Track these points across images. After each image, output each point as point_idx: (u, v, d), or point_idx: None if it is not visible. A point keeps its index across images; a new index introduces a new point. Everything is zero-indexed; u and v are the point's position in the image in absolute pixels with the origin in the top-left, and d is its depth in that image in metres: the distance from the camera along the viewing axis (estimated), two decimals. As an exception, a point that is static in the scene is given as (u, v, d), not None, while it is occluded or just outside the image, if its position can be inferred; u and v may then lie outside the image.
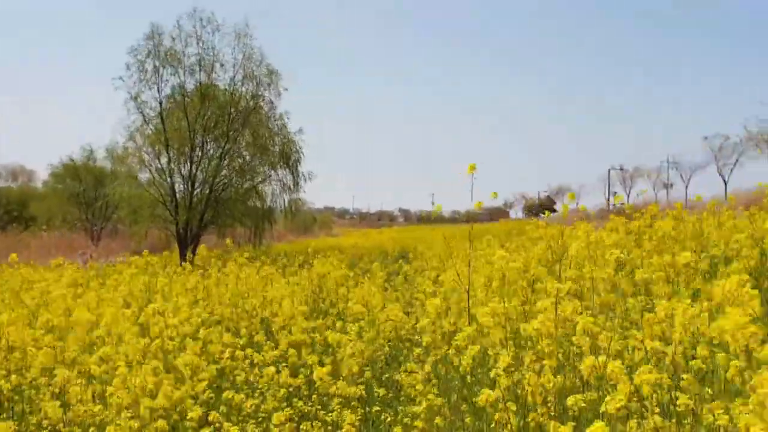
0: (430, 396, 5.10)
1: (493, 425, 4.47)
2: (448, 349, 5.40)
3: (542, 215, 7.67)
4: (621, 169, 78.40)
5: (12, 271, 10.17)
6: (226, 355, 6.47)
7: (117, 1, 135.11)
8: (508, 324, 4.19)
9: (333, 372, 6.24)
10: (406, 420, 5.68)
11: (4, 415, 5.50)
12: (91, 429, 4.90)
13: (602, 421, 2.89)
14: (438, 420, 4.89)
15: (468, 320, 5.20)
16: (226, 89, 30.35)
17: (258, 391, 6.08)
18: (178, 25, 29.42)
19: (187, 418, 5.03)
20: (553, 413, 3.87)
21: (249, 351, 6.70)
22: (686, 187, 67.72)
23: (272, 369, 5.83)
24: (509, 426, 4.14)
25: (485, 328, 4.36)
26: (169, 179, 29.56)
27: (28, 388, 5.54)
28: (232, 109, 30.02)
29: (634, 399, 3.21)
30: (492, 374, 3.99)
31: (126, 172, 30.42)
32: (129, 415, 4.52)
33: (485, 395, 3.83)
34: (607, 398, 3.11)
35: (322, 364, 6.14)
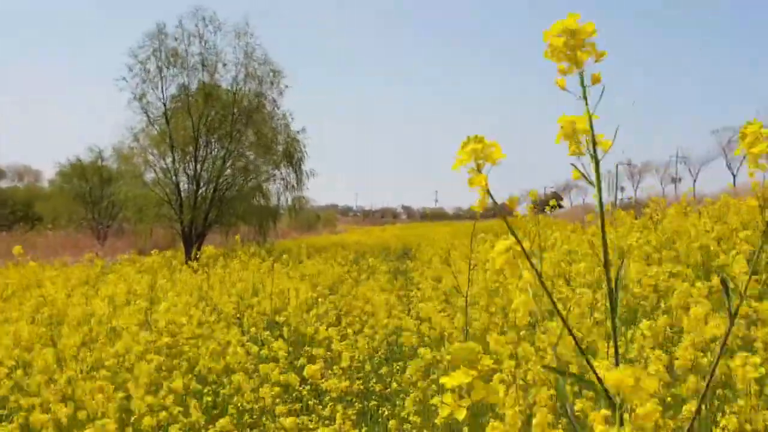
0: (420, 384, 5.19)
1: (488, 417, 4.56)
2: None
3: (549, 212, 7.68)
4: (629, 164, 78.17)
5: (17, 268, 10.32)
6: (230, 350, 6.55)
7: (117, 1, 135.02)
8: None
9: (330, 367, 6.36)
10: (402, 414, 5.77)
11: (6, 411, 5.60)
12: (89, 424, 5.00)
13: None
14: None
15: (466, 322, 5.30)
16: (229, 89, 30.49)
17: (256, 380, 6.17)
18: (180, 24, 29.57)
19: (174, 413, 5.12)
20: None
21: (251, 347, 6.80)
22: (694, 181, 67.49)
23: (271, 365, 5.91)
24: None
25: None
26: (174, 179, 29.74)
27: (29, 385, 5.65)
28: (236, 109, 30.15)
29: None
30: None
31: (131, 172, 30.55)
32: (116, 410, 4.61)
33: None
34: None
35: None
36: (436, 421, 5.21)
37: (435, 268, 10.06)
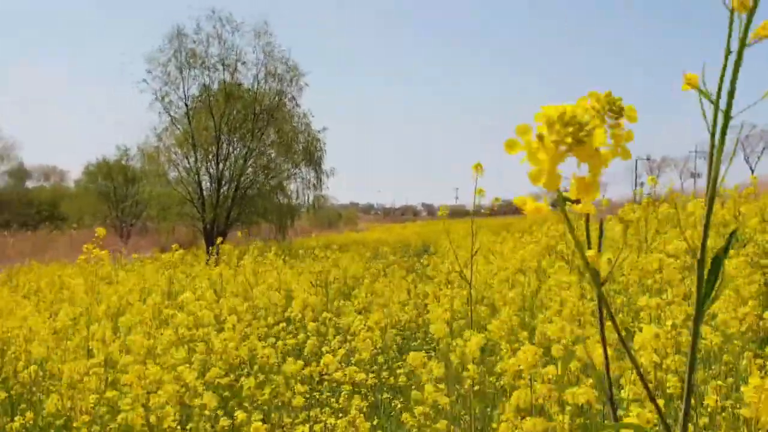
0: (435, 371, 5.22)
1: (498, 411, 4.61)
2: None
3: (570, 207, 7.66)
4: (648, 159, 77.65)
5: (39, 267, 10.49)
6: (246, 343, 6.63)
7: (117, 2, 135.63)
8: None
9: (345, 359, 6.41)
10: (416, 408, 5.81)
11: (23, 405, 5.72)
12: (107, 417, 5.10)
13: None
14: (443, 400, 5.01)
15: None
16: (249, 88, 30.70)
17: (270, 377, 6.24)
18: (197, 26, 29.83)
19: (198, 405, 5.19)
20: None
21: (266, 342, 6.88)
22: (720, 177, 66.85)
23: (290, 360, 5.98)
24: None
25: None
26: (196, 178, 30.02)
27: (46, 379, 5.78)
28: (257, 107, 30.34)
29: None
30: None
31: (155, 171, 30.89)
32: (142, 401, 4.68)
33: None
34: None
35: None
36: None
37: (450, 262, 10.07)
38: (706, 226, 1.05)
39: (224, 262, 11.55)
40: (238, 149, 30.78)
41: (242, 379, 6.03)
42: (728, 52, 1.00)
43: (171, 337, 5.95)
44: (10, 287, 10.44)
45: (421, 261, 16.20)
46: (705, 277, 1.02)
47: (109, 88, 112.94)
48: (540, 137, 0.83)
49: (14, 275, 13.66)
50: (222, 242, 12.04)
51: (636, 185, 72.27)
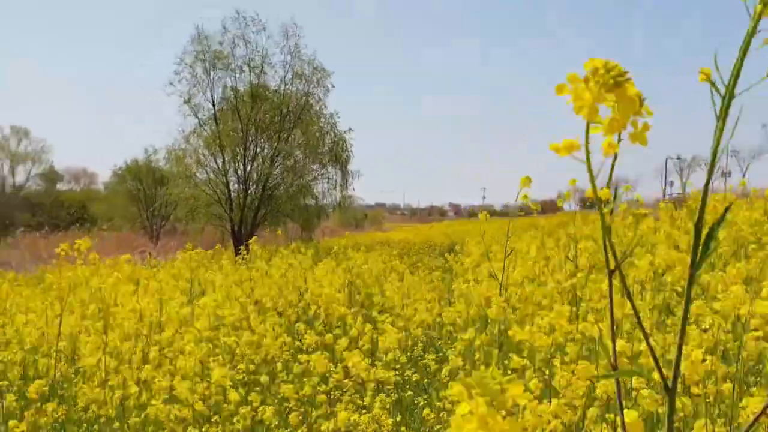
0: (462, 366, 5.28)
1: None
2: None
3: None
4: (678, 158, 76.76)
5: (69, 267, 10.65)
6: (267, 341, 6.71)
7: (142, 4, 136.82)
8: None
9: (370, 357, 6.48)
10: (438, 404, 5.86)
11: (57, 400, 5.86)
12: (134, 412, 5.23)
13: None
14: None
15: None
16: (276, 89, 30.90)
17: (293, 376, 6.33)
18: (223, 28, 30.08)
19: (226, 401, 5.30)
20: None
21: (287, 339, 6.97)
22: (743, 175, 66.23)
23: (310, 356, 6.06)
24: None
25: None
26: (224, 179, 30.27)
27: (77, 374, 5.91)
28: (284, 109, 30.53)
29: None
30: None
31: (183, 173, 31.17)
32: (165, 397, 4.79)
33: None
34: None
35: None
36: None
37: (475, 260, 10.11)
38: (704, 196, 1.16)
39: (252, 262, 11.68)
40: (266, 150, 30.98)
41: (262, 377, 6.14)
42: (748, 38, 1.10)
43: (196, 334, 6.07)
44: (43, 288, 10.62)
45: (447, 259, 16.24)
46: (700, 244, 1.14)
47: (136, 91, 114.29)
48: (586, 79, 1.03)
49: (46, 276, 13.88)
50: (250, 242, 12.16)
51: (665, 184, 71.62)
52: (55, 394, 6.13)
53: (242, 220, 29.59)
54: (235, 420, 5.23)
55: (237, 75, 30.31)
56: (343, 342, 6.73)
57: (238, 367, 6.25)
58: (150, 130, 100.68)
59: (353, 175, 32.98)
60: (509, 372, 4.07)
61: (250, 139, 30.37)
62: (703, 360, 2.90)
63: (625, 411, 1.43)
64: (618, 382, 1.35)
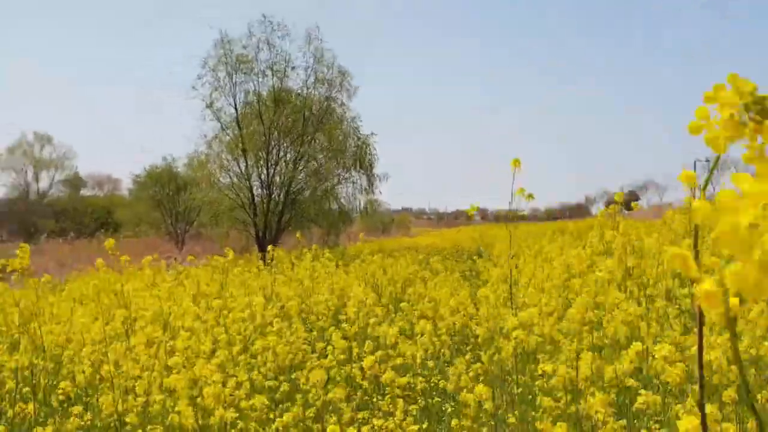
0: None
1: (540, 412, 4.51)
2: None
3: (626, 211, 7.54)
4: (707, 160, 75.80)
5: (95, 274, 10.67)
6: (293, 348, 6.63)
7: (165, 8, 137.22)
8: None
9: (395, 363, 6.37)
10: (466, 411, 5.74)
11: (80, 407, 5.81)
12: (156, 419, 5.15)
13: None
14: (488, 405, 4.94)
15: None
16: (299, 93, 30.92)
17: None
18: (249, 32, 30.17)
19: (250, 406, 5.21)
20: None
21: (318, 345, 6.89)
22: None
23: (331, 362, 5.97)
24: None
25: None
26: (247, 183, 30.30)
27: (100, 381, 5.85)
28: (306, 113, 30.53)
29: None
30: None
31: (205, 178, 31.25)
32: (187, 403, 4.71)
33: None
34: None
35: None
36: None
37: (501, 266, 9.96)
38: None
39: (277, 267, 11.64)
40: (288, 155, 31.00)
41: (283, 383, 6.05)
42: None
43: (223, 337, 6.00)
44: (67, 294, 10.65)
45: (475, 263, 16.11)
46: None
47: (156, 95, 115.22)
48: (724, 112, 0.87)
49: (70, 282, 13.98)
50: (275, 247, 12.11)
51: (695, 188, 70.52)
52: (79, 401, 6.09)
53: (266, 225, 29.60)
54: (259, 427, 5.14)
55: (260, 79, 30.39)
56: (369, 348, 6.63)
57: (261, 372, 6.18)
58: (150, 130, 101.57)
59: (379, 178, 32.91)
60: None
61: (273, 143, 30.39)
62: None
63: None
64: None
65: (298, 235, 14.99)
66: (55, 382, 6.33)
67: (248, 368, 6.05)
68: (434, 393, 6.65)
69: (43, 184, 60.08)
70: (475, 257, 21.29)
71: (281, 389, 6.02)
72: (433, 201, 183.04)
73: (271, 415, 5.33)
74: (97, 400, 5.63)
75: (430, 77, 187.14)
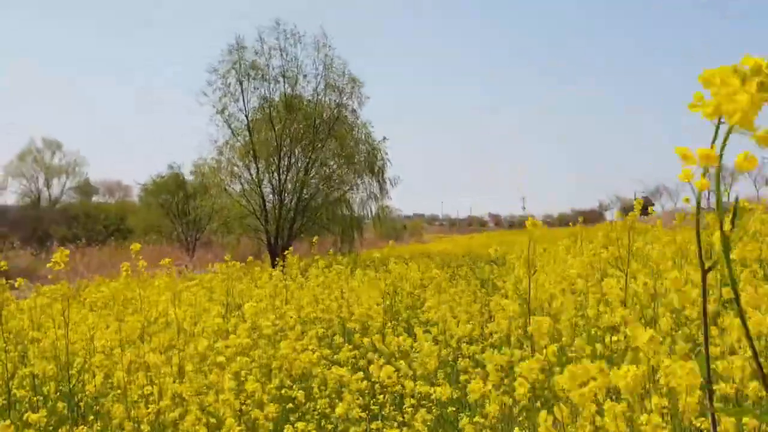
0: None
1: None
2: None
3: (641, 216, 7.46)
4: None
5: (108, 283, 10.63)
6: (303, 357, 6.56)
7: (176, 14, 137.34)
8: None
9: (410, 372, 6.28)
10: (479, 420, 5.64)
11: (91, 417, 5.75)
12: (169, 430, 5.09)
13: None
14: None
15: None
16: (310, 100, 30.92)
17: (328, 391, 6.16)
18: (260, 38, 30.21)
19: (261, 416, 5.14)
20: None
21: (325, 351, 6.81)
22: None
23: (343, 369, 5.89)
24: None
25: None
26: (258, 190, 30.25)
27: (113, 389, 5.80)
28: (317, 120, 30.52)
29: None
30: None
31: (216, 185, 31.22)
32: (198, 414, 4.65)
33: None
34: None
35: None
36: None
37: (515, 274, 9.86)
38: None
39: (289, 274, 11.57)
40: (300, 161, 30.96)
41: (296, 390, 5.97)
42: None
43: (232, 348, 5.92)
44: (78, 301, 10.60)
45: (492, 271, 15.98)
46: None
47: (156, 95, 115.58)
48: (744, 78, 0.91)
49: (81, 289, 13.92)
50: (287, 254, 12.04)
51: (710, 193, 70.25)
52: (90, 409, 6.03)
53: (278, 232, 29.54)
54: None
55: (271, 85, 30.40)
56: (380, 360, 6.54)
57: (274, 381, 6.11)
58: (150, 130, 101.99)
59: (391, 182, 32.85)
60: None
61: (285, 149, 30.37)
62: None
63: None
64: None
65: (315, 239, 14.84)
66: (66, 390, 6.27)
67: (261, 377, 5.98)
68: (448, 402, 6.55)
69: (55, 191, 60.25)
70: (488, 265, 21.10)
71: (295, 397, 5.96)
72: (435, 203, 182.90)
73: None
74: (109, 408, 5.57)
75: (430, 77, 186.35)
